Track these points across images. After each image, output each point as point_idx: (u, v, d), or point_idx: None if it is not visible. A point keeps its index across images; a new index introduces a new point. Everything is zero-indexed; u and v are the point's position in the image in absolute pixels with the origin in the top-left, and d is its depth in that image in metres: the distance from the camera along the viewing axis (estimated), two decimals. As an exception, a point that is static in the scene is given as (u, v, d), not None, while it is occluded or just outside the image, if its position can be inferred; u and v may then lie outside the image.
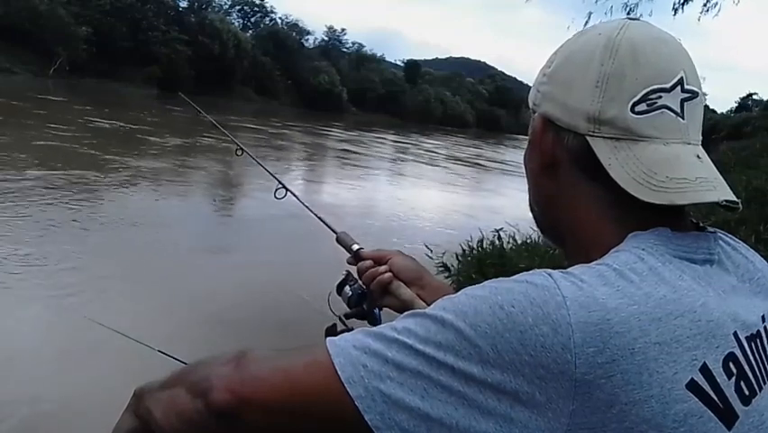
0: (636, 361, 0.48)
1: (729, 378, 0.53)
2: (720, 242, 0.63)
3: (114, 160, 12.00)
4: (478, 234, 6.16)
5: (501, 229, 6.21)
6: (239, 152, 1.52)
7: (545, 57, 0.69)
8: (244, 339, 4.44)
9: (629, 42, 0.60)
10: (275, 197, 1.33)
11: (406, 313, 0.56)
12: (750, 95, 52.04)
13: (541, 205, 0.71)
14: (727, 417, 0.52)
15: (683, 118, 0.60)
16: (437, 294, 0.74)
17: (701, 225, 0.64)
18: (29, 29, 33.55)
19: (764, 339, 0.59)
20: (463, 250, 6.00)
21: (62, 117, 17.03)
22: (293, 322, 4.81)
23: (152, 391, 0.63)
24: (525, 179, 0.72)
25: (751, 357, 0.56)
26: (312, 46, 66.49)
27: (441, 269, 5.55)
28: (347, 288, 1.07)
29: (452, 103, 75.82)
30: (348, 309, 1.05)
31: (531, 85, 0.71)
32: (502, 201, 14.43)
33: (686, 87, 0.60)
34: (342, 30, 72.92)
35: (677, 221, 0.60)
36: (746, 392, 0.54)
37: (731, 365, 0.53)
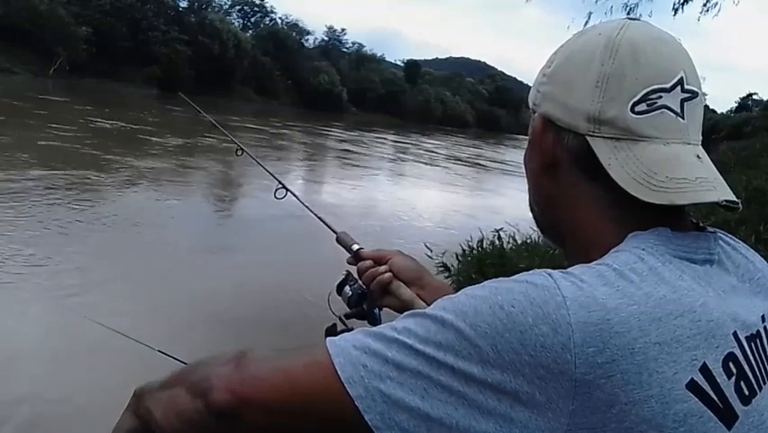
0: (636, 361, 0.48)
1: (729, 378, 0.53)
2: (720, 242, 0.63)
3: (115, 160, 12.02)
4: (478, 234, 6.16)
5: (501, 229, 6.21)
6: (239, 152, 1.52)
7: (545, 57, 0.69)
8: (244, 339, 4.44)
9: (629, 42, 0.60)
10: (275, 197, 1.33)
11: (406, 313, 0.56)
12: (750, 95, 52.09)
13: (541, 205, 0.71)
14: (727, 417, 0.52)
15: (683, 118, 0.60)
16: (437, 294, 0.74)
17: (701, 225, 0.64)
18: (29, 29, 33.56)
19: (764, 339, 0.59)
20: (463, 250, 6.00)
21: (63, 117, 17.04)
22: (293, 322, 4.81)
23: (152, 391, 0.63)
24: (525, 179, 0.72)
25: (751, 357, 0.56)
26: (312, 46, 66.55)
27: (441, 269, 5.55)
28: (347, 288, 1.07)
29: (452, 103, 75.81)
30: (348, 309, 1.05)
31: (531, 85, 0.71)
32: (502, 201, 14.44)
33: (686, 87, 0.60)
34: (342, 30, 73.05)
35: (677, 221, 0.60)
36: (746, 392, 0.54)
37: (731, 365, 0.53)
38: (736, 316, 0.56)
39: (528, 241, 6.06)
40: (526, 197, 0.73)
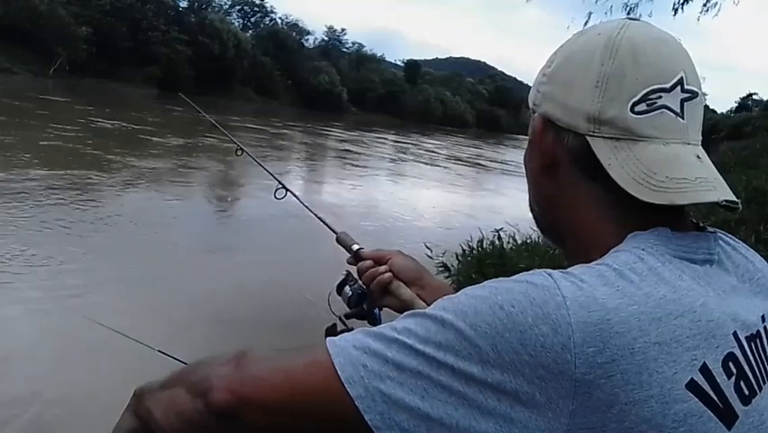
0: (636, 361, 0.48)
1: (729, 378, 0.53)
2: (720, 242, 0.63)
3: (117, 160, 12.04)
4: (478, 234, 6.17)
5: (501, 229, 6.22)
6: (239, 153, 1.52)
7: (545, 57, 0.69)
8: (244, 339, 4.44)
9: (629, 42, 0.60)
10: (275, 197, 1.33)
11: (406, 313, 0.56)
12: (750, 95, 52.09)
13: (541, 205, 0.71)
14: (727, 417, 0.52)
15: (683, 118, 0.60)
16: (437, 294, 0.74)
17: (701, 225, 0.64)
18: (29, 29, 33.56)
19: (764, 339, 0.59)
20: (463, 250, 6.01)
21: (64, 117, 17.06)
22: (293, 322, 4.81)
23: (152, 391, 0.63)
24: (525, 179, 0.72)
25: (751, 357, 0.56)
26: (312, 46, 66.55)
27: (441, 269, 5.56)
28: (347, 288, 1.07)
29: (452, 103, 75.81)
30: (348, 309, 1.05)
31: (531, 85, 0.71)
32: (502, 201, 14.44)
33: (686, 87, 0.60)
34: (342, 30, 73.06)
35: (677, 221, 0.60)
36: (746, 392, 0.54)
37: (731, 365, 0.53)
38: (736, 316, 0.56)
39: (528, 241, 6.06)
40: (526, 197, 0.73)
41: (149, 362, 1.57)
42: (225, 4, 57.78)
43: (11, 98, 20.23)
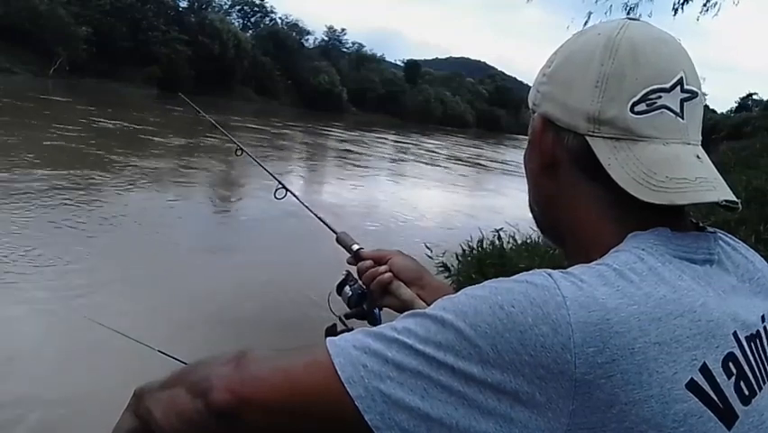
0: (636, 361, 0.48)
1: (729, 378, 0.53)
2: (720, 242, 0.63)
3: (119, 160, 12.07)
4: (478, 234, 6.17)
5: (501, 229, 6.22)
6: (239, 153, 1.52)
7: (545, 57, 0.69)
8: (244, 339, 4.44)
9: (629, 42, 0.60)
10: (275, 197, 1.32)
11: (406, 313, 0.56)
12: (750, 95, 52.13)
13: (541, 205, 0.71)
14: (727, 417, 0.52)
15: (683, 118, 0.60)
16: (437, 294, 0.74)
17: (701, 225, 0.64)
18: (29, 29, 33.56)
19: (764, 339, 0.59)
20: (463, 250, 6.01)
21: (66, 117, 17.09)
22: (293, 322, 4.81)
23: (152, 391, 0.63)
24: (525, 179, 0.71)
25: (751, 357, 0.56)
26: (312, 46, 66.56)
27: (441, 269, 5.56)
28: (347, 288, 1.07)
29: (452, 103, 75.82)
30: (348, 309, 1.05)
31: (531, 85, 0.71)
32: (502, 201, 14.44)
33: (686, 87, 0.60)
34: (342, 30, 73.09)
35: (677, 221, 0.60)
36: (746, 392, 0.54)
37: (731, 365, 0.53)
38: (736, 316, 0.56)
39: (528, 241, 6.06)
40: (526, 197, 0.73)
41: (149, 362, 1.57)
42: (225, 4, 57.87)
43: (12, 98, 20.25)
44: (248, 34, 54.81)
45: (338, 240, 1.14)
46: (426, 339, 0.51)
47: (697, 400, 0.50)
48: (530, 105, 0.69)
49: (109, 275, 5.71)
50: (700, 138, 0.62)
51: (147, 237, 7.42)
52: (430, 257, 5.68)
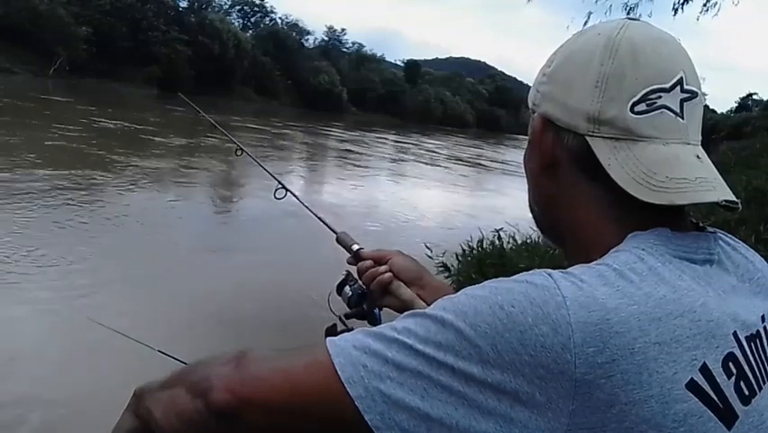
0: (636, 361, 0.48)
1: (729, 378, 0.53)
2: (720, 242, 0.63)
3: (120, 160, 12.11)
4: (478, 234, 6.16)
5: (501, 229, 6.21)
6: (239, 153, 1.52)
7: (545, 57, 0.69)
8: (244, 339, 4.44)
9: (629, 42, 0.60)
10: (275, 197, 1.32)
11: (406, 313, 0.56)
12: (750, 95, 52.13)
13: (541, 205, 0.71)
14: (727, 417, 0.52)
15: (683, 118, 0.60)
16: (437, 294, 0.74)
17: (701, 225, 0.64)
18: (29, 29, 33.56)
19: (764, 339, 0.59)
20: (463, 250, 6.01)
21: (67, 117, 17.11)
22: (293, 322, 4.81)
23: (152, 391, 0.63)
24: (525, 179, 0.71)
25: (750, 357, 0.56)
26: (312, 46, 66.57)
27: (441, 269, 5.56)
28: (347, 288, 1.07)
29: (452, 103, 75.82)
30: (348, 309, 1.05)
31: (531, 85, 0.71)
32: (503, 201, 14.43)
33: (685, 87, 0.60)
34: (342, 30, 73.08)
35: (677, 221, 0.60)
36: (746, 392, 0.54)
37: (731, 365, 0.53)
38: (736, 316, 0.56)
39: (528, 241, 6.06)
40: (526, 197, 0.73)
41: (149, 362, 1.57)
42: (225, 4, 57.88)
43: (13, 98, 20.27)
44: (248, 34, 54.82)
45: (338, 240, 1.14)
46: (426, 339, 0.51)
47: (697, 400, 0.50)
48: (530, 105, 0.69)
49: (110, 275, 5.71)
50: (700, 138, 0.62)
51: (148, 237, 7.43)
52: (430, 257, 5.68)
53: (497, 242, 6.12)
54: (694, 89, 0.60)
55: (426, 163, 23.36)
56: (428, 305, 0.58)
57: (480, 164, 27.09)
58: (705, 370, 0.51)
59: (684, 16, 10.58)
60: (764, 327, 0.59)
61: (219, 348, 0.64)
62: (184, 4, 49.64)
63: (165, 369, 0.66)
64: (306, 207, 1.28)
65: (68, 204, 8.06)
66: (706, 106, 0.66)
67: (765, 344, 0.59)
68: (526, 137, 0.69)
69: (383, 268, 1.00)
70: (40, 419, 3.41)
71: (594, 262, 0.56)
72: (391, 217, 10.93)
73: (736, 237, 0.67)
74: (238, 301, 5.46)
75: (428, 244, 5.99)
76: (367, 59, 70.58)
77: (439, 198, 14.98)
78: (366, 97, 63.13)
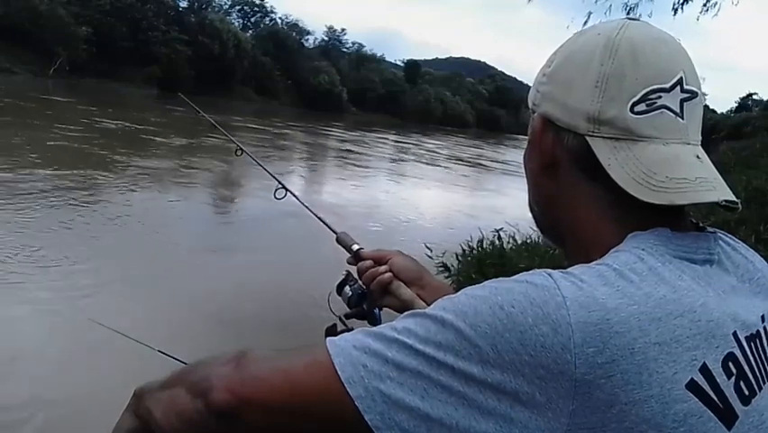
0: (636, 361, 0.48)
1: (729, 378, 0.53)
2: (720, 242, 0.63)
3: (122, 160, 12.14)
4: (478, 234, 6.16)
5: (501, 229, 6.21)
6: (239, 153, 1.52)
7: (545, 57, 0.69)
8: (244, 339, 4.44)
9: (629, 42, 0.60)
10: (275, 197, 1.32)
11: (406, 313, 0.56)
12: (750, 95, 52.10)
13: (541, 205, 0.71)
14: (727, 417, 0.52)
15: (683, 118, 0.60)
16: (437, 294, 0.74)
17: (701, 225, 0.64)
18: (29, 29, 33.55)
19: (764, 339, 0.59)
20: (463, 250, 6.00)
21: (68, 118, 17.12)
22: (293, 322, 4.81)
23: (152, 391, 0.63)
24: (525, 180, 0.71)
25: (750, 357, 0.56)
26: (312, 46, 66.55)
27: (441, 269, 5.55)
28: (347, 288, 1.07)
29: (452, 103, 75.81)
30: (348, 309, 1.05)
31: (531, 85, 0.71)
32: (503, 201, 14.43)
33: (685, 87, 0.60)
34: (342, 30, 73.05)
35: (677, 221, 0.60)
36: (746, 392, 0.54)
37: (731, 365, 0.53)
38: (736, 316, 0.56)
39: (528, 241, 6.06)
40: (526, 197, 0.73)
41: (149, 362, 1.57)
42: (225, 4, 57.86)
43: (14, 98, 20.28)
44: (248, 34, 54.80)
45: (338, 240, 1.14)
46: (426, 339, 0.51)
47: (697, 400, 0.50)
48: (530, 105, 0.69)
49: (110, 275, 5.71)
50: (700, 138, 0.62)
51: (148, 237, 7.43)
52: (430, 257, 5.68)
53: (497, 242, 6.12)
54: (694, 89, 0.60)
55: (426, 163, 23.36)
56: (428, 305, 0.58)
57: (481, 164, 27.09)
58: (705, 370, 0.51)
59: (684, 16, 10.58)
60: (764, 327, 0.59)
61: (219, 348, 0.64)
62: (184, 4, 49.70)
63: (165, 369, 0.66)
64: (306, 207, 1.28)
65: (69, 204, 8.07)
66: (706, 106, 0.66)
67: (765, 344, 0.59)
68: (526, 137, 0.69)
69: (383, 268, 1.00)
70: (40, 418, 3.41)
71: (594, 263, 0.56)
72: (391, 217, 10.93)
73: (736, 237, 0.67)
74: (238, 301, 5.46)
75: (428, 244, 5.99)
76: (367, 59, 70.56)
77: (439, 198, 14.98)
78: (366, 97, 63.11)
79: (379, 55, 75.66)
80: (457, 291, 0.56)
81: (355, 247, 1.08)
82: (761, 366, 0.57)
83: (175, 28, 43.22)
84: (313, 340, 0.57)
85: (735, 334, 0.55)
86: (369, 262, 1.02)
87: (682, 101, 0.59)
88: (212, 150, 15.10)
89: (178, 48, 42.06)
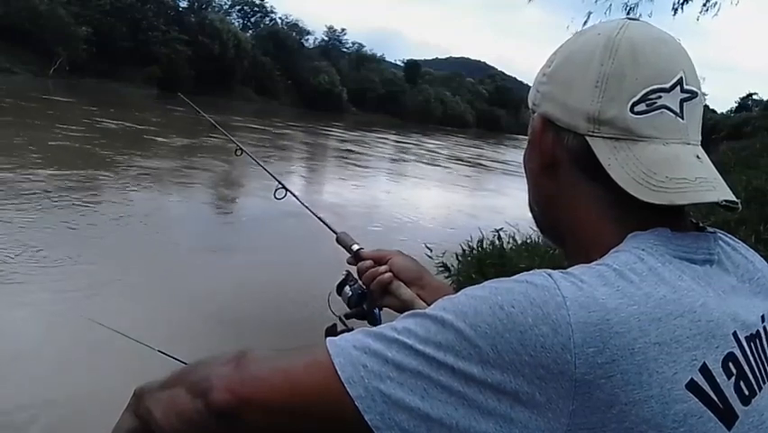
0: (636, 361, 0.48)
1: (729, 378, 0.53)
2: (720, 242, 0.63)
3: (122, 160, 12.15)
4: (478, 234, 6.16)
5: (501, 229, 6.21)
6: (238, 153, 1.52)
7: (545, 57, 0.68)
8: (244, 339, 4.44)
9: (629, 42, 0.60)
10: (275, 197, 1.32)
11: (406, 313, 0.56)
12: (750, 95, 52.07)
13: (541, 205, 0.71)
14: (727, 417, 0.52)
15: (683, 118, 0.60)
16: (437, 294, 0.74)
17: (701, 225, 0.64)
18: (29, 29, 33.56)
19: (764, 339, 0.59)
20: (463, 250, 6.00)
21: (70, 118, 17.14)
22: (293, 322, 4.81)
23: (152, 391, 0.63)
24: (525, 180, 0.71)
25: (750, 357, 0.56)
26: (312, 46, 66.56)
27: (441, 269, 5.55)
28: (347, 288, 1.06)
29: (452, 103, 75.81)
30: (348, 309, 1.05)
31: (531, 85, 0.71)
32: (503, 201, 14.43)
33: (685, 87, 0.60)
34: (342, 30, 73.10)
35: (677, 221, 0.60)
36: (746, 392, 0.54)
37: (731, 365, 0.53)
38: (736, 316, 0.56)
39: (528, 241, 6.06)
40: (526, 197, 0.73)
41: (149, 362, 1.57)
42: (225, 4, 57.88)
43: (15, 98, 20.29)
44: (248, 34, 54.81)
45: (338, 240, 1.14)
46: (426, 339, 0.51)
47: (697, 400, 0.50)
48: (530, 105, 0.69)
49: (111, 275, 5.71)
50: (700, 138, 0.62)
51: (148, 237, 7.43)
52: (430, 257, 5.68)
53: (497, 242, 6.12)
54: (694, 89, 0.60)
55: (427, 163, 23.36)
56: (428, 305, 0.58)
57: (481, 164, 27.09)
58: (705, 370, 0.51)
59: (684, 16, 10.59)
60: (764, 327, 0.59)
61: (219, 348, 0.64)
62: (184, 4, 49.71)
63: (165, 369, 0.66)
64: (306, 207, 1.28)
65: (70, 204, 8.07)
66: (706, 106, 0.66)
67: (765, 344, 0.58)
68: (526, 137, 0.69)
69: (383, 268, 1.00)
70: (40, 418, 3.41)
71: (594, 263, 0.56)
72: (391, 217, 10.93)
73: (736, 237, 0.67)
74: (238, 301, 5.46)
75: (428, 244, 5.99)
76: (367, 59, 70.56)
77: (439, 198, 14.98)
78: (366, 97, 63.11)
79: (379, 55, 75.78)
80: (457, 291, 0.56)
81: (355, 247, 1.08)
82: (761, 366, 0.57)
83: (175, 28, 43.23)
84: (313, 340, 0.57)
85: (735, 334, 0.55)
86: (369, 262, 1.02)
87: (682, 101, 0.59)
88: (212, 150, 15.11)
89: (178, 48, 42.06)
